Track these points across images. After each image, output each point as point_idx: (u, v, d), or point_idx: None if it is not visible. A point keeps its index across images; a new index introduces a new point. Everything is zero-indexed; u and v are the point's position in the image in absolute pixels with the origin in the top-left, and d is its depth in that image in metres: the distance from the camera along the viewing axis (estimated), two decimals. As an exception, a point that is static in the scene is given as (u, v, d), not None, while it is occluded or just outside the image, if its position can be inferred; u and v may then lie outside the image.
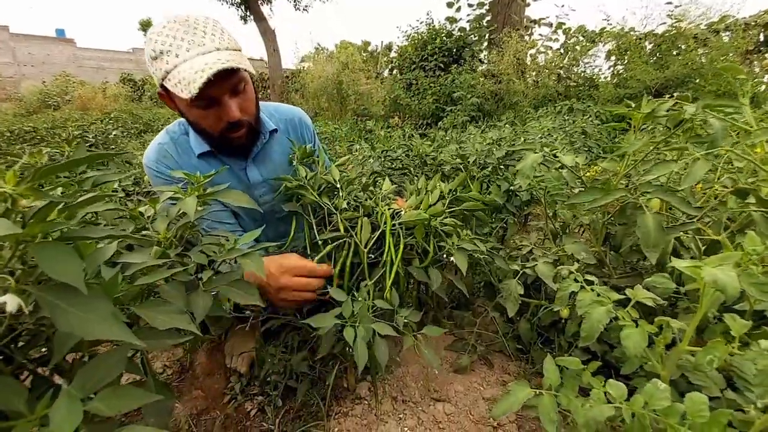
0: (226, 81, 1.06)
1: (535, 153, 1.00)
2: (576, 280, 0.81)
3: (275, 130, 1.40)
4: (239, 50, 1.13)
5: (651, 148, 0.93)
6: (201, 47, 1.03)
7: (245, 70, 1.10)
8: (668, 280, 0.85)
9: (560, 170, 1.23)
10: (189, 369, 1.54)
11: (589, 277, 0.81)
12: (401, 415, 1.23)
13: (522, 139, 2.06)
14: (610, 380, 0.59)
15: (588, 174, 1.07)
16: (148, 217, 0.77)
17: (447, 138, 2.48)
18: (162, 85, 1.09)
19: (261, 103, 1.43)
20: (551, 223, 1.46)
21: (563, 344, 1.31)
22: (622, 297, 0.75)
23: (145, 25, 44.13)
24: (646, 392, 0.54)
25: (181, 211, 0.69)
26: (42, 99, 13.32)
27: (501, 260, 1.26)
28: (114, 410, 0.39)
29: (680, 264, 0.56)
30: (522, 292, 1.10)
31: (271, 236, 1.43)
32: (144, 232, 0.74)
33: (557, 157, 1.01)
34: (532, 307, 1.40)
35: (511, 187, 1.91)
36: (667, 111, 0.87)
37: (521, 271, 1.13)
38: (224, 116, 1.12)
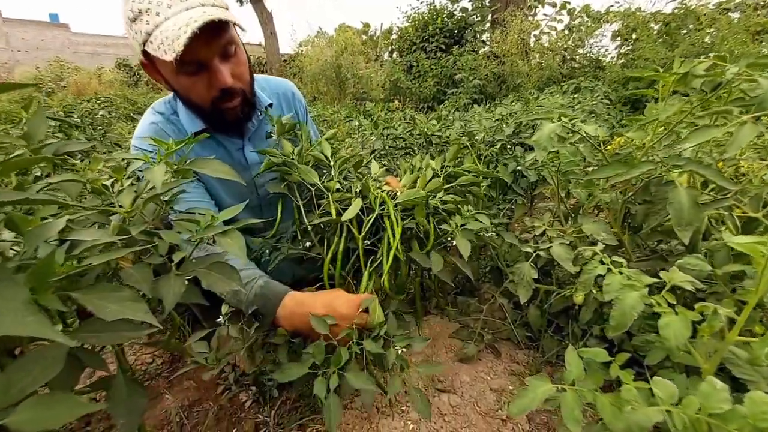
0: (214, 40, 0.94)
1: (553, 122, 0.89)
2: (602, 262, 0.72)
3: (270, 105, 1.28)
4: (226, 8, 1.02)
5: (684, 115, 0.83)
6: (184, 2, 0.91)
7: (235, 25, 0.99)
8: (703, 261, 0.76)
9: (576, 144, 1.13)
10: (180, 358, 1.47)
11: (616, 259, 0.72)
12: (404, 408, 1.15)
13: (533, 113, 1.94)
14: (657, 378, 0.50)
15: (609, 148, 0.97)
16: (120, 191, 0.67)
17: (451, 117, 2.37)
18: (144, 52, 0.96)
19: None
20: (563, 203, 1.36)
21: (576, 332, 1.23)
22: (656, 281, 0.66)
23: (141, 9, 43.28)
24: (702, 393, 0.45)
25: (150, 185, 0.60)
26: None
27: (511, 236, 1.17)
28: (39, 425, 0.31)
29: (738, 240, 0.47)
30: (536, 277, 1.01)
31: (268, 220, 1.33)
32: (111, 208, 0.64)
33: (576, 127, 0.91)
34: (542, 292, 1.31)
35: (518, 167, 1.81)
36: (705, 72, 0.76)
37: (534, 254, 1.03)
38: (215, 82, 1.00)
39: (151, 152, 1.10)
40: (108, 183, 0.65)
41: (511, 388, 1.22)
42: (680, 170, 0.84)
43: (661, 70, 0.89)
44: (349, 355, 0.89)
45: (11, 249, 0.50)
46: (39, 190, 0.62)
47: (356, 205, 0.98)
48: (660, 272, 0.66)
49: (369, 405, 0.85)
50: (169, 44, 0.86)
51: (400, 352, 0.97)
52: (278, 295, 0.98)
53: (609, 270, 0.70)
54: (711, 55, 0.81)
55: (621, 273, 0.67)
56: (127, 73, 15.79)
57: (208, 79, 1.00)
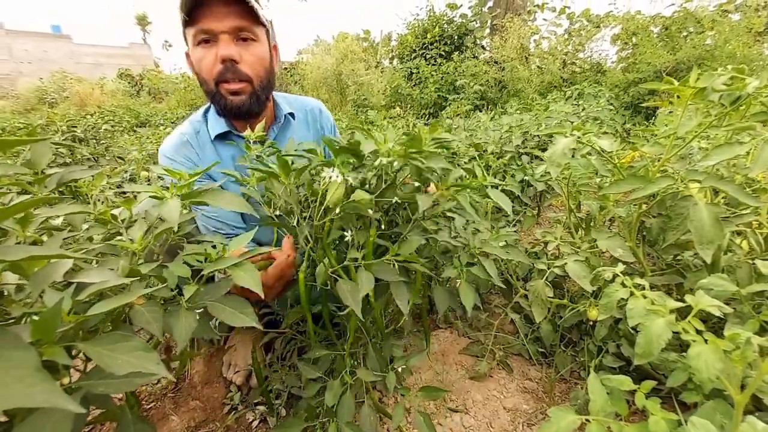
0: (228, 16, 1.01)
1: (566, 137, 0.88)
2: (624, 285, 0.70)
3: (292, 114, 1.33)
4: (258, 4, 1.07)
5: (702, 129, 0.81)
6: None
7: (258, 19, 1.06)
8: (728, 281, 0.74)
9: (587, 156, 1.11)
10: (185, 378, 1.44)
11: (638, 280, 0.70)
12: (416, 430, 1.12)
13: (543, 125, 1.92)
14: (695, 419, 0.47)
15: (623, 160, 0.96)
16: (123, 220, 0.65)
17: (454, 126, 2.35)
18: (184, 36, 1.09)
19: (281, 94, 1.37)
20: (573, 215, 1.34)
21: (591, 348, 1.20)
22: (681, 305, 0.64)
23: (142, 20, 43.73)
24: (744, 437, 0.43)
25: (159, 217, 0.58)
26: (39, 96, 13.18)
27: (523, 256, 1.14)
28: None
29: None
30: (551, 295, 0.99)
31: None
32: (117, 239, 0.62)
33: (591, 142, 0.89)
34: (554, 306, 1.29)
35: (525, 177, 1.79)
36: (726, 86, 0.74)
37: (548, 271, 1.01)
38: (218, 53, 1.04)
39: (171, 161, 1.17)
40: (116, 212, 0.63)
41: (525, 407, 1.19)
42: (700, 186, 0.82)
43: (668, 77, 0.88)
44: (344, 387, 0.88)
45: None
46: (41, 223, 0.61)
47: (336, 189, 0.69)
48: (685, 296, 0.64)
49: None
50: (182, 6, 0.97)
51: (400, 370, 0.94)
52: None
53: (631, 293, 0.67)
54: (729, 67, 0.79)
55: (644, 297, 0.65)
56: (129, 83, 15.88)
57: (215, 52, 1.05)
